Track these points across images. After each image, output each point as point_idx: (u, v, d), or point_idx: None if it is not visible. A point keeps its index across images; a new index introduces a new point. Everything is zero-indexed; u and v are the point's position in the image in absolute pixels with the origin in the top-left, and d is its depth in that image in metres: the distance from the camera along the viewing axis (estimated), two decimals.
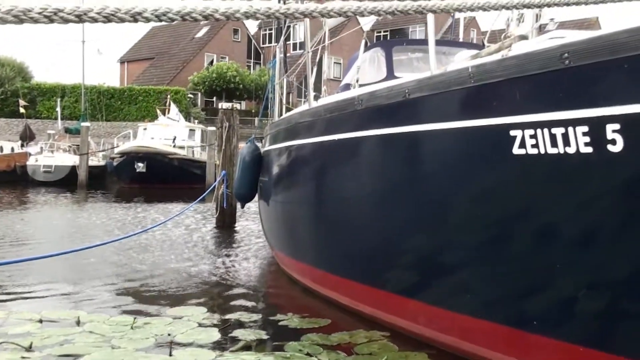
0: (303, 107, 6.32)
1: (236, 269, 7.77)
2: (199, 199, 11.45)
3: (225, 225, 12.11)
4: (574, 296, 3.31)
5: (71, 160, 25.55)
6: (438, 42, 9.97)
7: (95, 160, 27.41)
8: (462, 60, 5.30)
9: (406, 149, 4.24)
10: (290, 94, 18.08)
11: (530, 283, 3.53)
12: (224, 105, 12.16)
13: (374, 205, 4.70)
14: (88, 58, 70.61)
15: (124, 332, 4.67)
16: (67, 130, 30.07)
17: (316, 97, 6.95)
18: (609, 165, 2.88)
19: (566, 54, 2.96)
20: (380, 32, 40.20)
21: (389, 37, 44.17)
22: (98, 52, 43.99)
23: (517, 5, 1.81)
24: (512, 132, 3.30)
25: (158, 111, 29.88)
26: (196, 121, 35.00)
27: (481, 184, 3.70)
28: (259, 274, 7.65)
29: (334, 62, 38.15)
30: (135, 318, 5.06)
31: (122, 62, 50.42)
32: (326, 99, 6.26)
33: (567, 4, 2.06)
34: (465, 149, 3.74)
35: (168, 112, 28.50)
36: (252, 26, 49.75)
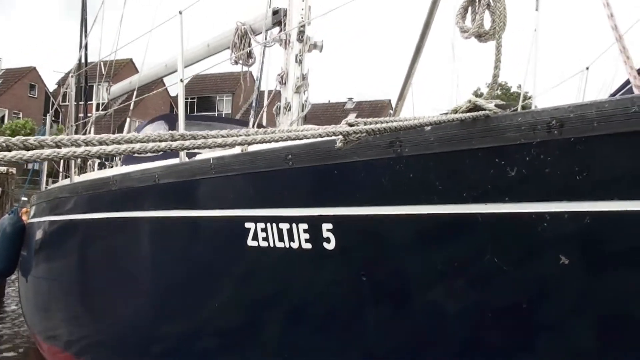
0: (64, 181, 6.03)
1: None
2: None
3: None
4: None
5: None
6: (230, 121, 10.20)
7: None
8: None
9: (154, 235, 4.20)
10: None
11: None
12: None
13: (121, 291, 4.56)
14: None
15: None
16: None
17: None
18: (325, 261, 3.07)
19: (290, 155, 3.15)
20: (187, 98, 40.15)
21: (196, 104, 44.42)
22: None
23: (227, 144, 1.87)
24: (247, 225, 3.41)
25: None
26: None
27: (222, 273, 3.75)
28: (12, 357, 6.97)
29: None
30: None
31: None
32: (86, 175, 6.05)
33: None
34: (208, 237, 3.79)
35: None
36: (50, 83, 47.12)
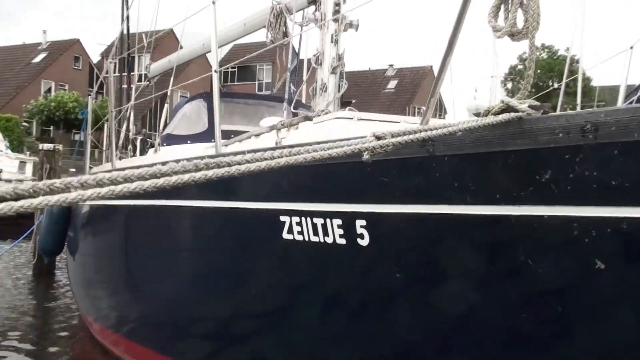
0: (106, 166, 6.16)
1: (37, 328, 7.30)
2: (15, 242, 10.76)
3: (43, 274, 11.35)
4: None
5: None
6: (267, 97, 10.18)
7: None
8: (263, 127, 5.47)
9: (193, 224, 4.28)
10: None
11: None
12: (44, 146, 11.50)
13: (162, 276, 4.68)
14: None
15: None
16: None
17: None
18: (359, 257, 3.09)
19: None
20: (227, 68, 40.39)
21: (236, 74, 44.52)
22: None
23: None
24: (282, 218, 3.44)
25: None
26: (28, 152, 32.72)
27: (259, 265, 3.81)
28: (62, 332, 7.23)
29: (181, 96, 37.63)
30: None
31: None
32: (127, 161, 6.16)
33: None
34: (245, 229, 3.84)
35: None
36: (94, 54, 47.93)
